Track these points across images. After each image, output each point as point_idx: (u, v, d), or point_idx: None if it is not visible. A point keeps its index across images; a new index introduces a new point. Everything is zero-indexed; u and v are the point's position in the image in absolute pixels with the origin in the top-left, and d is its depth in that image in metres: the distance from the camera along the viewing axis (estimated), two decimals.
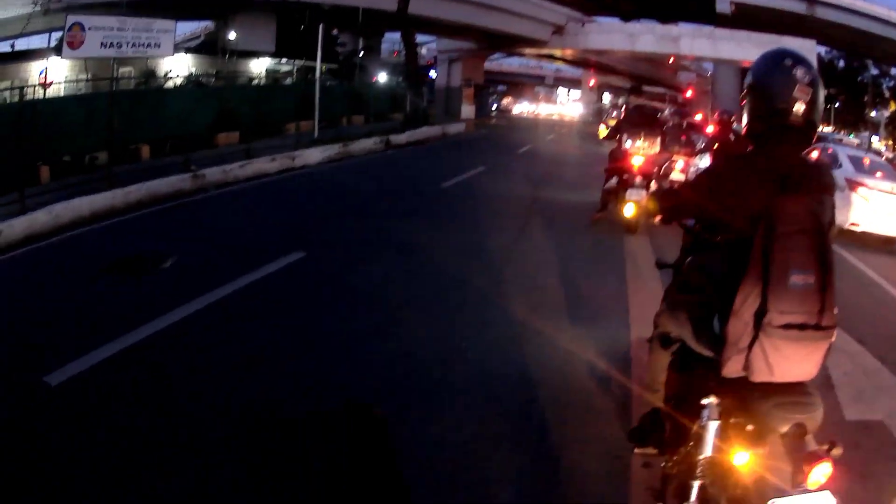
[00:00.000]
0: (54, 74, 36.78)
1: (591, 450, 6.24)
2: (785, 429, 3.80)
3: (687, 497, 4.21)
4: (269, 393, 7.04)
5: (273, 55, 59.72)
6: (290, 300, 10.08)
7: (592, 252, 14.54)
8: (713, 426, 4.11)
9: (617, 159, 17.19)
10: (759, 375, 3.86)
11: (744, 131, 4.45)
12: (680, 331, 4.69)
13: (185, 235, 14.10)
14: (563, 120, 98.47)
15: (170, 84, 40.24)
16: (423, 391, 7.30)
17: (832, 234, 3.95)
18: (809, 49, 54.88)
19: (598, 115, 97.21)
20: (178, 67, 46.83)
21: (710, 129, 27.13)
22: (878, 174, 20.36)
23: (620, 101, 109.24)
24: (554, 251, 13.99)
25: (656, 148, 16.93)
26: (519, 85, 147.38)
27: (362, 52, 71.43)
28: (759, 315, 3.77)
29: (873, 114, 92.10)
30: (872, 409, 7.81)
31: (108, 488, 5.29)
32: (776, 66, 4.18)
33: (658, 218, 4.94)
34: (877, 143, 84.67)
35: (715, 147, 19.36)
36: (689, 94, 74.12)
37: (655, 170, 17.47)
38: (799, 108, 4.07)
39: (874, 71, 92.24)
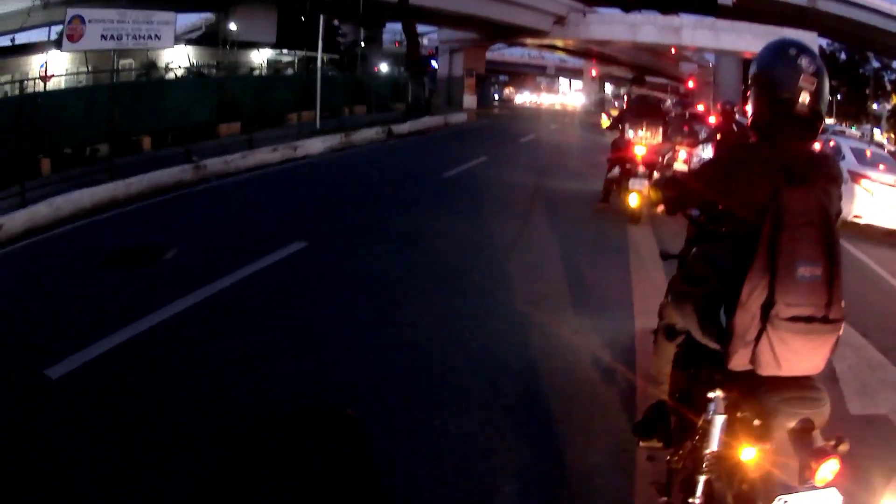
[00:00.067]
0: (55, 67, 36.77)
1: (596, 443, 6.21)
2: (792, 424, 3.75)
3: (693, 492, 4.16)
4: (270, 386, 7.02)
5: (274, 46, 59.77)
6: (291, 290, 10.07)
7: (596, 242, 14.51)
8: (719, 420, 4.05)
9: (620, 149, 17.21)
10: (766, 369, 3.81)
11: (749, 121, 4.41)
12: (685, 323, 4.65)
13: (187, 226, 14.10)
14: (566, 110, 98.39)
15: (171, 75, 40.23)
16: (426, 382, 7.28)
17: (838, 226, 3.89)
18: (811, 41, 54.78)
19: (601, 105, 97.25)
20: (178, 59, 46.82)
21: (712, 119, 27.18)
22: (882, 167, 20.38)
23: (622, 91, 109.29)
24: (557, 241, 13.97)
25: (659, 138, 16.94)
26: (521, 75, 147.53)
27: (363, 43, 71.43)
28: (766, 307, 3.72)
29: (875, 106, 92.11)
30: (877, 403, 7.79)
31: (106, 483, 5.27)
32: (781, 55, 4.15)
33: (661, 208, 4.91)
34: (878, 135, 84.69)
35: (718, 137, 19.37)
36: (690, 84, 74.06)
37: (659, 160, 17.50)
38: (804, 97, 4.03)
39: (875, 63, 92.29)
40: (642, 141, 16.65)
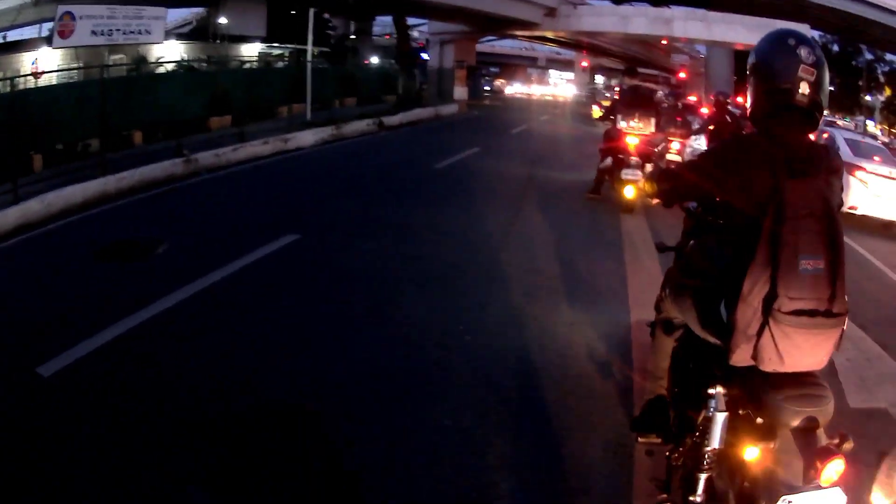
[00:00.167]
0: (46, 63, 36.78)
1: (593, 437, 6.19)
2: (796, 423, 3.69)
3: (693, 489, 4.11)
4: (263, 382, 7.00)
5: (264, 40, 59.75)
6: (283, 284, 10.05)
7: (589, 233, 14.52)
8: (721, 418, 3.99)
9: (612, 139, 17.25)
10: (769, 364, 3.76)
11: (747, 112, 4.36)
12: (684, 317, 4.62)
13: (178, 220, 14.08)
14: (557, 101, 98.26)
15: (161, 70, 40.22)
16: (421, 376, 7.25)
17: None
18: (804, 33, 55.14)
19: (592, 95, 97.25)
20: (169, 54, 46.82)
21: (704, 110, 27.19)
22: (876, 158, 20.42)
23: (614, 82, 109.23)
24: (550, 232, 13.98)
25: (651, 128, 17.00)
26: (511, 66, 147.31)
27: (354, 36, 71.46)
28: (769, 301, 3.67)
29: (868, 98, 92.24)
30: (876, 396, 7.77)
31: (100, 482, 5.23)
32: (780, 45, 4.12)
33: (657, 200, 4.87)
34: (872, 126, 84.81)
35: (711, 128, 19.42)
36: (682, 75, 74.16)
37: (653, 150, 17.55)
38: (804, 88, 3.99)
39: (868, 55, 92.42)
40: (635, 131, 16.71)
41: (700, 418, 4.23)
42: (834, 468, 3.44)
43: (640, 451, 5.62)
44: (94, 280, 10.00)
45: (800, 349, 3.71)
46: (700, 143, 20.81)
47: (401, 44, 51.56)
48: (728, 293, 3.91)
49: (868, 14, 66.25)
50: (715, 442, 3.98)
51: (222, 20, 56.68)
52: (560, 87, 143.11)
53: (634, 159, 16.31)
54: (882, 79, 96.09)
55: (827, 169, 3.93)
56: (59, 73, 32.77)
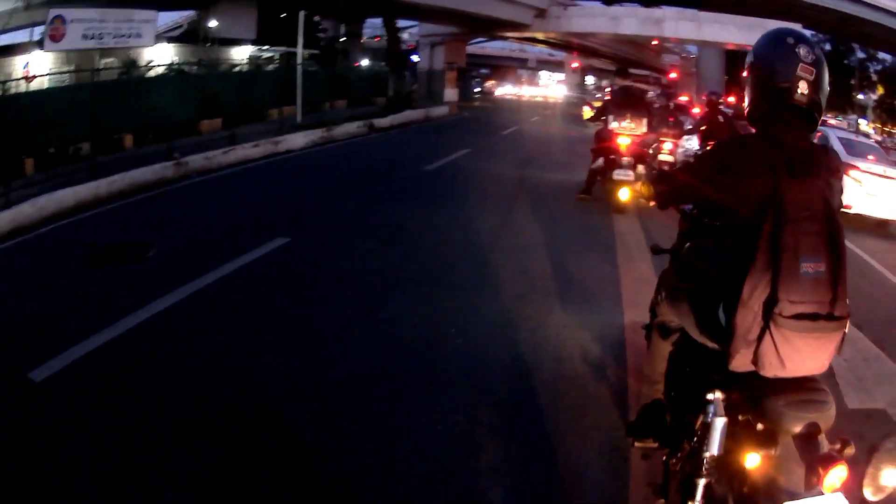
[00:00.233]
0: (38, 67, 36.73)
1: (588, 441, 6.14)
2: (798, 429, 3.64)
3: (692, 495, 4.07)
4: (253, 384, 6.97)
5: (254, 43, 59.70)
6: (274, 288, 10.01)
7: (582, 233, 14.48)
8: (720, 423, 3.92)
9: (603, 140, 17.23)
10: (770, 370, 3.71)
11: (745, 112, 4.32)
12: (681, 321, 4.59)
13: (169, 223, 14.04)
14: (547, 102, 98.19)
15: (152, 73, 40.18)
16: (413, 380, 7.22)
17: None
18: (803, 32, 55.28)
19: (582, 96, 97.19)
20: (160, 57, 46.77)
21: (696, 110, 27.16)
22: (870, 156, 20.46)
23: (605, 83, 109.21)
24: (542, 233, 13.94)
25: (643, 129, 17.00)
26: (502, 68, 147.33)
27: (344, 38, 71.45)
28: (769, 305, 3.63)
29: (860, 97, 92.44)
30: (874, 397, 7.76)
31: (95, 489, 5.21)
32: (778, 44, 4.07)
33: (653, 203, 4.81)
34: (864, 125, 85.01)
35: (703, 128, 19.42)
36: (672, 75, 74.16)
37: (646, 151, 17.60)
38: (803, 87, 3.94)
39: (861, 54, 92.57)
40: (626, 132, 16.69)
41: (698, 423, 4.19)
42: (836, 475, 3.39)
43: (636, 456, 5.59)
44: (86, 284, 9.97)
45: (801, 354, 3.67)
46: (692, 143, 20.81)
47: (391, 46, 51.57)
48: (726, 297, 3.86)
49: (860, 13, 66.29)
50: (714, 448, 3.93)
51: (213, 23, 56.66)
52: (550, 88, 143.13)
53: (626, 160, 16.30)
54: (874, 77, 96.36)
55: (827, 169, 3.91)
56: (51, 76, 32.72)
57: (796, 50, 3.97)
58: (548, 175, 22.47)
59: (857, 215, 18.88)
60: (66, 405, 6.43)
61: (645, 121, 17.10)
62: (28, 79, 30.38)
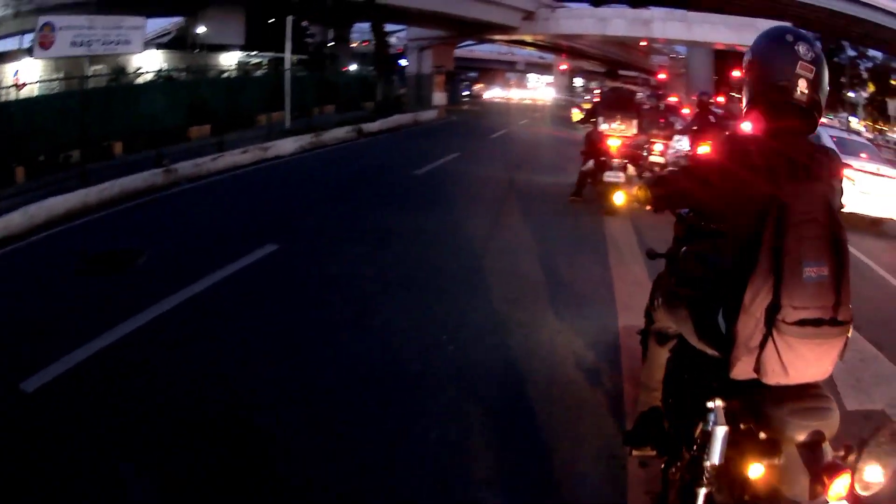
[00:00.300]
0: (28, 75, 36.71)
1: (584, 448, 6.11)
2: (802, 437, 3.59)
3: None
4: (242, 392, 6.96)
5: (243, 48, 59.70)
6: (263, 294, 9.99)
7: (573, 236, 14.51)
8: (721, 432, 3.85)
9: (593, 142, 17.30)
10: (773, 377, 3.66)
11: (744, 112, 4.21)
12: (679, 327, 4.53)
13: (158, 231, 14.02)
14: (536, 104, 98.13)
15: (141, 80, 40.15)
16: (404, 388, 7.19)
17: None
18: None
19: (571, 98, 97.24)
20: (149, 64, 46.75)
21: (685, 111, 27.17)
22: (863, 155, 20.45)
23: (593, 85, 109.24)
24: (533, 236, 13.94)
25: (633, 130, 17.03)
26: (490, 71, 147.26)
27: (332, 43, 71.43)
28: (771, 312, 3.56)
29: (851, 94, 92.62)
30: (872, 398, 7.73)
31: (86, 499, 5.21)
32: (777, 42, 3.97)
33: (649, 206, 4.67)
34: (855, 123, 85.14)
35: (694, 129, 19.44)
36: (661, 76, 74.24)
37: (639, 153, 17.66)
38: (802, 86, 3.86)
39: (851, 52, 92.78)
40: (616, 133, 16.73)
41: (698, 431, 4.13)
42: (842, 483, 3.35)
43: (634, 464, 5.53)
44: (77, 293, 9.94)
45: (805, 360, 3.62)
46: (683, 144, 20.82)
47: (379, 50, 51.48)
48: (726, 303, 3.81)
49: (851, 10, 66.47)
50: (715, 457, 3.86)
51: (201, 29, 56.67)
52: (539, 90, 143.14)
53: (617, 161, 16.34)
54: (865, 75, 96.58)
55: (828, 171, 3.83)
56: (41, 84, 32.69)
57: (795, 48, 3.89)
58: (537, 178, 22.52)
59: (851, 214, 18.77)
60: (57, 415, 6.41)
61: (635, 122, 17.14)
62: (18, 87, 30.38)
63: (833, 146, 19.52)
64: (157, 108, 28.06)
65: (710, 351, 4.10)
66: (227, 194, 18.41)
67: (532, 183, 21.44)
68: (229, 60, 58.37)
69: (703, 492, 3.96)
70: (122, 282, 10.39)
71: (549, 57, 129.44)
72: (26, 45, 43.57)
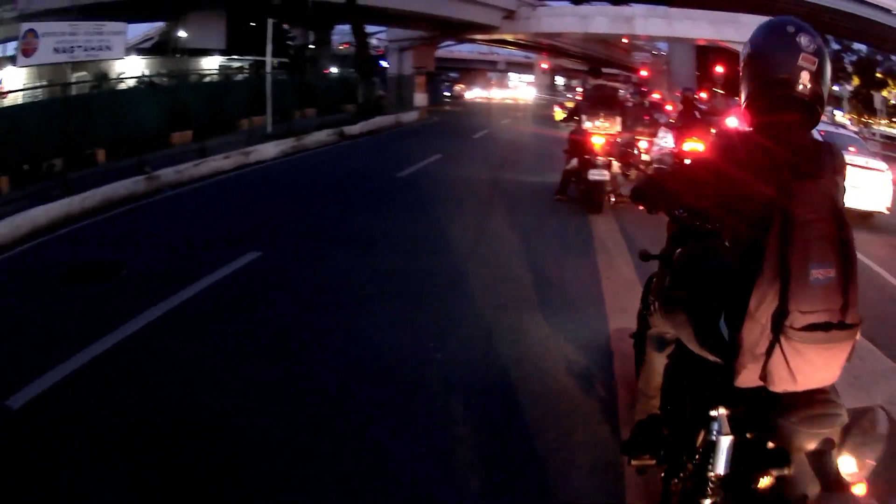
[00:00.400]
0: (11, 83, 36.66)
1: (580, 457, 6.02)
2: (812, 446, 3.50)
3: None
4: (225, 403, 6.87)
5: (224, 52, 59.73)
6: (243, 305, 9.85)
7: (559, 237, 14.48)
8: (726, 441, 3.76)
9: (577, 140, 17.34)
10: (780, 385, 3.51)
11: (743, 107, 4.07)
12: (678, 332, 4.41)
13: (140, 240, 13.89)
14: (517, 104, 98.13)
15: (123, 86, 40.06)
16: (392, 398, 7.08)
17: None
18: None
19: (552, 97, 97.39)
20: (132, 69, 46.73)
21: (669, 107, 27.13)
22: (851, 148, 20.54)
23: (574, 83, 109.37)
24: (519, 238, 13.91)
25: (617, 127, 17.09)
26: (471, 71, 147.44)
27: (313, 45, 71.48)
28: (778, 317, 3.42)
29: (835, 88, 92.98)
30: (871, 395, 7.62)
31: None
32: (777, 33, 3.84)
33: (642, 206, 4.59)
34: (840, 116, 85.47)
35: (680, 126, 19.44)
36: (643, 73, 74.42)
37: (633, 151, 17.69)
38: (805, 79, 3.74)
39: (835, 46, 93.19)
40: (600, 131, 16.76)
41: (700, 440, 4.03)
42: (858, 492, 3.30)
43: (631, 472, 5.36)
44: (61, 304, 9.83)
45: (813, 366, 3.48)
46: (667, 140, 20.78)
47: (360, 52, 51.46)
48: (728, 307, 3.71)
49: (836, 5, 66.66)
50: (720, 467, 3.77)
51: (182, 34, 56.69)
52: (520, 89, 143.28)
53: (601, 159, 16.35)
54: (850, 68, 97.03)
55: (833, 168, 3.75)
56: (25, 91, 32.62)
57: (797, 39, 3.77)
58: (521, 178, 22.57)
59: None
60: (45, 433, 6.32)
61: (619, 120, 17.23)
62: (2, 95, 30.31)
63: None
64: (140, 114, 27.92)
65: (711, 357, 3.99)
66: (209, 201, 18.31)
67: (516, 183, 21.50)
68: (211, 65, 58.38)
69: (707, 503, 3.87)
70: (106, 293, 10.27)
71: (531, 56, 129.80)
72: (10, 52, 43.57)
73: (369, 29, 67.93)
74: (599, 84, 18.90)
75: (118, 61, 37.45)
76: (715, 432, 3.81)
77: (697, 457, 4.05)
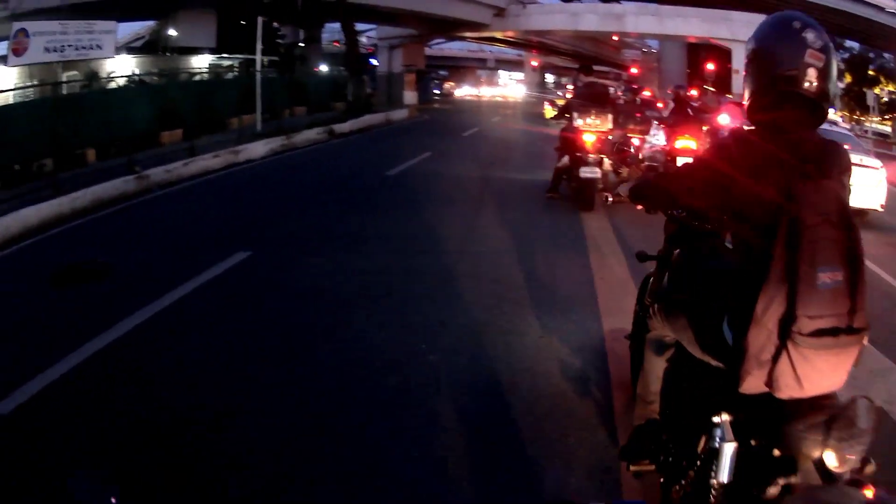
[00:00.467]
0: (2, 83, 36.58)
1: (575, 462, 5.92)
2: (819, 454, 3.37)
3: None
4: (217, 404, 6.81)
5: (214, 51, 59.68)
6: (232, 307, 9.78)
7: (551, 236, 14.43)
8: (729, 449, 3.62)
9: (568, 137, 17.28)
10: (787, 391, 3.43)
11: (747, 105, 3.97)
12: (678, 336, 4.34)
13: (131, 240, 13.85)
14: (507, 101, 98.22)
15: (113, 85, 39.99)
16: (382, 403, 6.96)
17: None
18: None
19: (542, 95, 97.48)
20: (122, 68, 46.66)
21: (659, 105, 27.14)
22: (846, 146, 20.48)
23: (564, 80, 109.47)
24: (510, 237, 13.87)
25: (608, 125, 17.06)
26: (461, 69, 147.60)
27: (303, 43, 71.46)
28: (785, 323, 3.33)
29: None
30: (870, 394, 7.65)
31: None
32: (783, 29, 3.75)
33: (640, 206, 4.57)
34: (832, 114, 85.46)
35: (671, 123, 19.43)
36: (633, 70, 74.46)
37: (630, 150, 17.71)
38: (811, 75, 3.64)
39: None
40: (591, 128, 16.72)
41: (701, 447, 3.95)
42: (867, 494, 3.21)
43: (628, 477, 5.30)
44: (51, 306, 9.77)
45: (820, 372, 3.41)
46: (659, 138, 20.76)
47: (349, 50, 51.38)
48: (731, 311, 3.66)
49: (828, 2, 66.65)
50: (724, 475, 3.64)
51: (172, 32, 56.65)
52: (510, 87, 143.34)
53: (592, 157, 16.34)
54: (842, 66, 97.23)
55: (840, 168, 3.67)
56: (16, 91, 32.53)
57: (803, 35, 3.67)
58: (512, 175, 22.58)
59: None
60: (36, 438, 6.27)
61: (610, 117, 17.16)
62: None
63: None
64: (130, 113, 27.82)
65: (713, 362, 3.93)
66: (199, 200, 18.27)
67: (506, 181, 21.50)
68: (201, 63, 58.33)
69: None
70: (97, 294, 10.22)
71: (521, 53, 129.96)
72: (2, 52, 43.52)
73: (359, 27, 68.02)
74: (591, 81, 18.90)
75: (109, 60, 37.43)
76: (718, 439, 3.71)
77: (699, 463, 3.96)
